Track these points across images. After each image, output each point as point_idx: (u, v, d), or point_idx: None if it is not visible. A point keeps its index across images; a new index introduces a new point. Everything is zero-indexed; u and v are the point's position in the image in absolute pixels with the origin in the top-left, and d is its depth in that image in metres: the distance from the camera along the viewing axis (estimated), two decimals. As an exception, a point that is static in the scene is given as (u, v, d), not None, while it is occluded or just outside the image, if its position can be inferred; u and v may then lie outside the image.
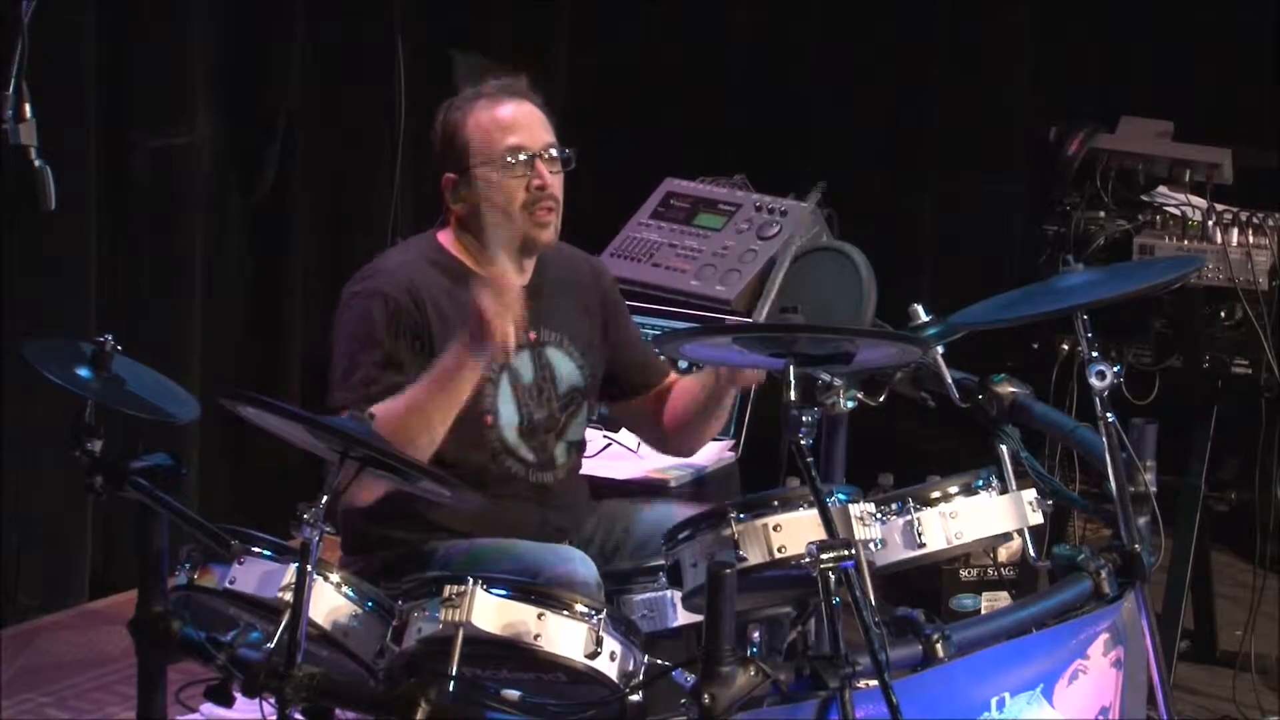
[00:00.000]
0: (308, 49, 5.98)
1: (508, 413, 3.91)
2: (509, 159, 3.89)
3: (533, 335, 3.96)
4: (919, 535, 3.53)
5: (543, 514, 3.92)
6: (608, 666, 3.23)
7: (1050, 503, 3.71)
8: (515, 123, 3.93)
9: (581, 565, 3.72)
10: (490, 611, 3.21)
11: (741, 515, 3.39)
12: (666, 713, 3.23)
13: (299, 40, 5.96)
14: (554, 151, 3.93)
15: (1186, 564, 5.02)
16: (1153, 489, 3.78)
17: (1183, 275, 4.11)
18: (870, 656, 3.14)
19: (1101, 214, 5.20)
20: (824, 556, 3.14)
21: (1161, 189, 5.24)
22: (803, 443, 3.28)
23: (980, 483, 3.61)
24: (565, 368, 4.02)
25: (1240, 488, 5.27)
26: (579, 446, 4.05)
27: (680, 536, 3.46)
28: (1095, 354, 3.66)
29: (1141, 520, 3.71)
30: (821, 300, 4.55)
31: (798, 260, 4.88)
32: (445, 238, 3.98)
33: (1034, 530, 3.66)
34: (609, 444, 4.63)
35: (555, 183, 3.92)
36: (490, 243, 3.90)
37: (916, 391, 4.19)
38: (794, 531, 3.35)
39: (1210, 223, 5.00)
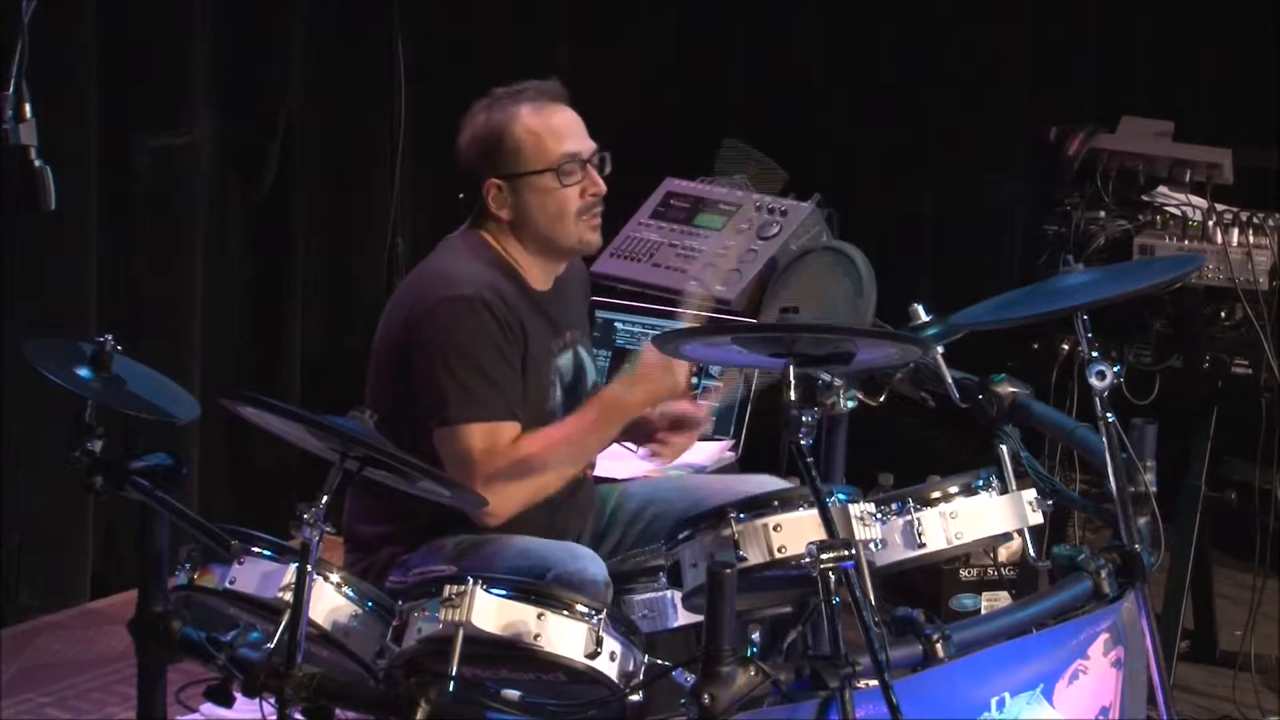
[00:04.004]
0: (308, 49, 5.98)
1: (558, 412, 3.94)
2: (566, 166, 3.90)
3: (569, 335, 3.99)
4: (919, 535, 3.53)
5: (550, 514, 3.92)
6: (608, 666, 3.23)
7: (1050, 503, 3.71)
8: (567, 129, 3.93)
9: (592, 564, 3.73)
10: (490, 611, 3.21)
11: (741, 515, 3.39)
12: (666, 713, 3.23)
13: (299, 40, 5.96)
14: (599, 156, 3.96)
15: (1186, 564, 5.02)
16: (1153, 489, 3.78)
17: (1183, 275, 4.11)
18: (870, 656, 3.14)
19: (1101, 214, 5.20)
20: (824, 556, 3.14)
21: (1162, 189, 5.24)
22: (803, 443, 3.28)
23: (980, 483, 3.61)
24: (588, 366, 4.07)
25: (1240, 488, 5.27)
26: None
27: (680, 536, 3.46)
28: (1095, 354, 3.66)
29: (1142, 520, 3.71)
30: (822, 300, 4.55)
31: (798, 260, 4.88)
32: (493, 241, 3.95)
33: (1034, 530, 3.65)
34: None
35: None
36: (540, 248, 3.94)
37: (916, 391, 4.19)
38: (794, 531, 3.35)
39: (1210, 223, 5.00)
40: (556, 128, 3.92)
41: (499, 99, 3.94)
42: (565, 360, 3.98)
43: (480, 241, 3.94)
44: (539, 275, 3.96)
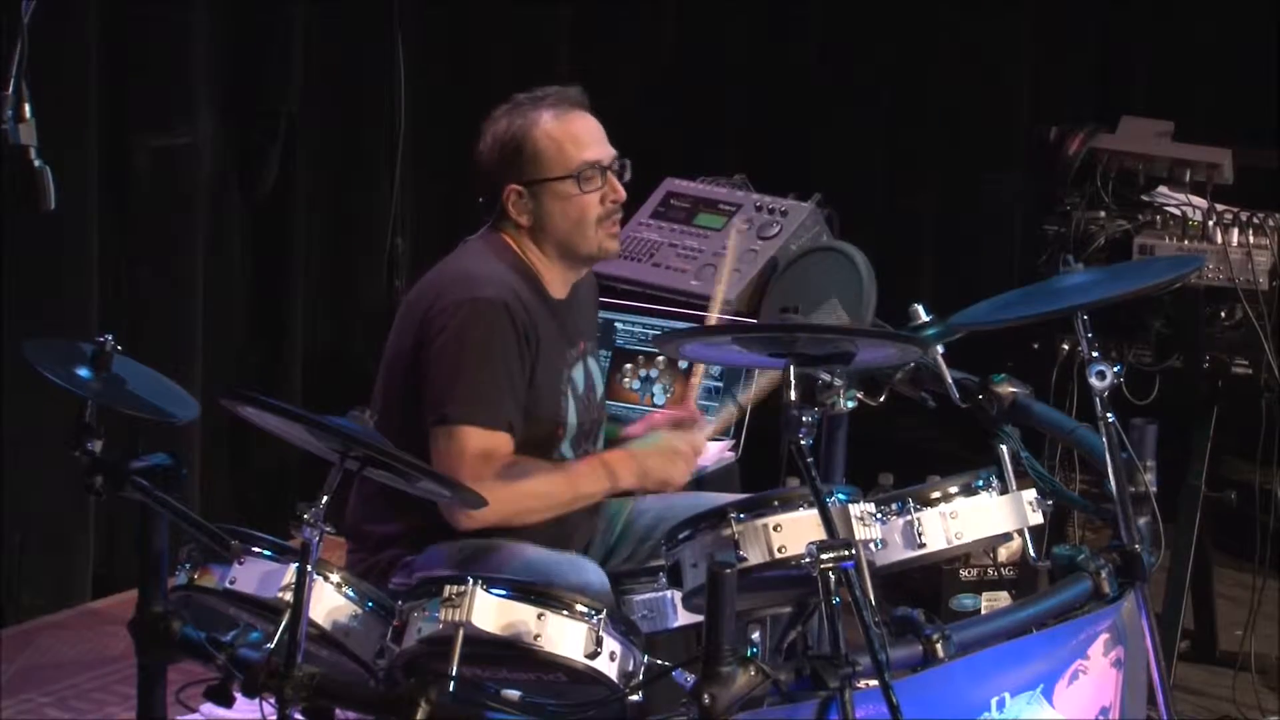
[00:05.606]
0: (308, 49, 5.98)
1: (571, 423, 3.93)
2: (586, 173, 3.89)
3: (582, 346, 3.98)
4: (919, 535, 3.53)
5: (556, 521, 3.89)
6: (608, 666, 3.24)
7: (1050, 503, 3.71)
8: (589, 136, 3.92)
9: (595, 575, 3.73)
10: (490, 611, 3.21)
11: (741, 515, 3.39)
12: (666, 713, 3.23)
13: (299, 40, 5.96)
14: (619, 163, 3.95)
15: (1186, 564, 5.02)
16: (1153, 489, 3.78)
17: (1183, 275, 4.11)
18: (870, 656, 3.15)
19: (1101, 214, 5.20)
20: (824, 556, 3.14)
21: (1161, 189, 5.24)
22: (803, 443, 3.28)
23: (980, 483, 3.61)
24: (598, 375, 4.06)
25: (1240, 488, 5.27)
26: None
27: (680, 536, 3.46)
28: (1095, 354, 3.66)
29: (1142, 520, 3.71)
30: (822, 301, 4.55)
31: (798, 260, 4.89)
32: (514, 245, 3.93)
33: (1034, 530, 3.65)
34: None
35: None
36: (560, 254, 3.92)
37: (916, 391, 4.19)
38: (794, 531, 3.35)
39: (1210, 223, 5.00)
40: (578, 134, 3.91)
41: (520, 104, 3.92)
42: (578, 372, 3.97)
43: (502, 245, 3.92)
44: (558, 282, 3.95)
